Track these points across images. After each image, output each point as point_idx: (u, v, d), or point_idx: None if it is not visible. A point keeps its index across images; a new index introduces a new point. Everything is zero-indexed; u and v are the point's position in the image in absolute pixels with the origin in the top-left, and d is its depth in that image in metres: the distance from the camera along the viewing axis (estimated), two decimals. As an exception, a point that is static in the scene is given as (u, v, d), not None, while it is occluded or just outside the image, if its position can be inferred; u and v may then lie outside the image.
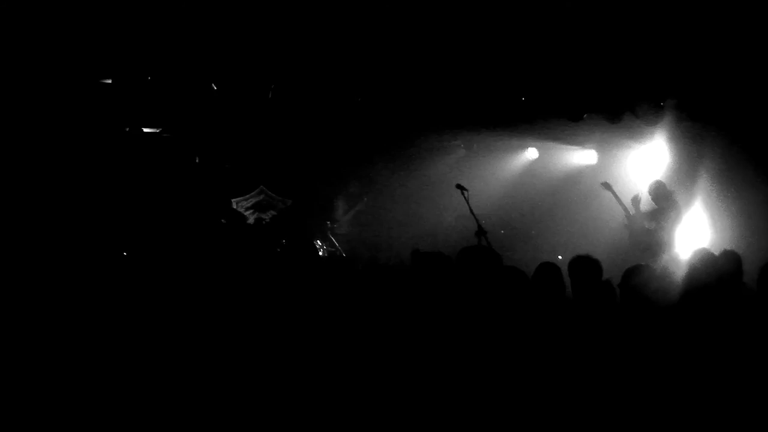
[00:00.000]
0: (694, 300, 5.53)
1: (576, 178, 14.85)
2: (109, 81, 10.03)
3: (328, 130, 13.78)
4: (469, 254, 5.61)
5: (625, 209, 11.95)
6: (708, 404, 4.72)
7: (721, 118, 11.21)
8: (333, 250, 14.56)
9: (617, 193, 12.13)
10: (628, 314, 6.08)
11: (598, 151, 14.79)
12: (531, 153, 15.49)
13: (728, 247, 7.17)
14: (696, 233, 12.06)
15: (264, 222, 15.67)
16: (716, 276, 6.31)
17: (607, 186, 12.29)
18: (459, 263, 5.50)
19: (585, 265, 6.69)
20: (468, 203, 10.55)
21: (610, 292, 6.65)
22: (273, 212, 16.10)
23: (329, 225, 15.05)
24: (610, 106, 11.37)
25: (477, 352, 4.66)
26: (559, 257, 11.55)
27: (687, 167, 12.31)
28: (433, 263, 5.53)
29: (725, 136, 11.39)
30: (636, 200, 11.88)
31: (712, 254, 6.87)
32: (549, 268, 6.50)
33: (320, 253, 14.18)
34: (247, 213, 15.94)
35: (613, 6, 8.26)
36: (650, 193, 11.79)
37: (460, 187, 10.76)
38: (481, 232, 10.32)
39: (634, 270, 6.41)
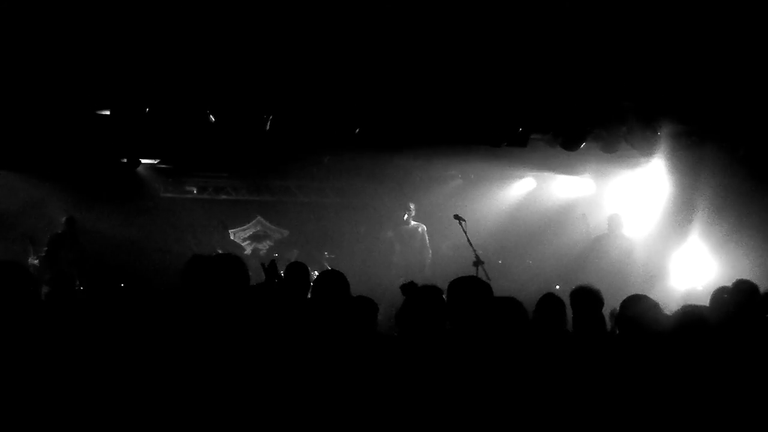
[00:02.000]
0: (691, 331, 5.50)
1: (573, 206, 14.84)
2: (107, 112, 10.02)
3: (326, 161, 13.81)
4: (460, 285, 5.53)
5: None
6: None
7: (719, 144, 11.23)
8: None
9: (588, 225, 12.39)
10: (626, 344, 6.06)
11: (594, 179, 14.80)
12: (528, 182, 15.51)
13: (740, 277, 7.10)
14: (697, 263, 12.10)
15: (261, 253, 15.70)
16: (723, 308, 6.30)
17: (583, 218, 12.46)
18: (450, 294, 5.43)
19: (587, 296, 6.68)
20: (465, 233, 10.56)
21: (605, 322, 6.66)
22: (270, 243, 16.13)
23: (326, 255, 15.02)
24: (604, 135, 11.40)
25: (470, 384, 4.63)
26: (557, 287, 11.54)
27: (684, 195, 12.32)
28: (425, 296, 5.48)
29: (723, 163, 11.38)
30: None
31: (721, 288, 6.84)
32: (551, 299, 6.50)
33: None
34: (244, 244, 15.97)
35: (609, 34, 8.30)
36: None
37: (457, 217, 10.77)
38: (478, 261, 10.33)
39: (632, 299, 6.39)
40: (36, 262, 12.15)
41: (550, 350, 5.45)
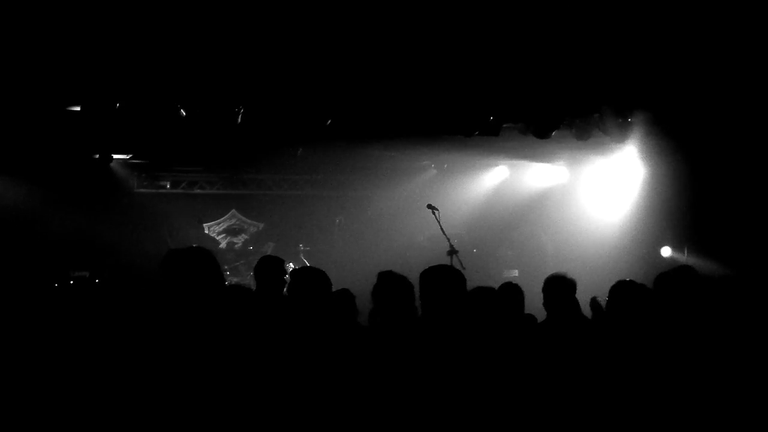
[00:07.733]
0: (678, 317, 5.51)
1: (547, 194, 14.90)
2: (78, 108, 9.95)
3: (298, 153, 13.78)
4: (433, 274, 5.44)
5: None
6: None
7: (691, 131, 11.27)
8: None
9: None
10: (610, 331, 6.07)
11: (568, 167, 14.85)
12: (501, 171, 15.53)
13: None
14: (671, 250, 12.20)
15: (236, 246, 15.66)
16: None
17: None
18: (422, 283, 5.37)
19: (559, 284, 6.71)
20: (439, 223, 10.57)
21: (579, 309, 6.68)
22: (245, 236, 16.09)
23: (301, 247, 15.02)
24: (577, 123, 11.42)
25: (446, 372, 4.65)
26: (515, 273, 11.61)
27: (657, 181, 12.38)
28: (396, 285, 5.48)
29: (695, 150, 11.42)
30: None
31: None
32: (509, 288, 6.54)
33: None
34: (219, 237, 15.92)
35: (579, 20, 8.33)
36: None
37: (431, 207, 10.78)
38: (452, 251, 10.35)
39: (621, 285, 6.34)
40: None
41: (524, 338, 5.48)
